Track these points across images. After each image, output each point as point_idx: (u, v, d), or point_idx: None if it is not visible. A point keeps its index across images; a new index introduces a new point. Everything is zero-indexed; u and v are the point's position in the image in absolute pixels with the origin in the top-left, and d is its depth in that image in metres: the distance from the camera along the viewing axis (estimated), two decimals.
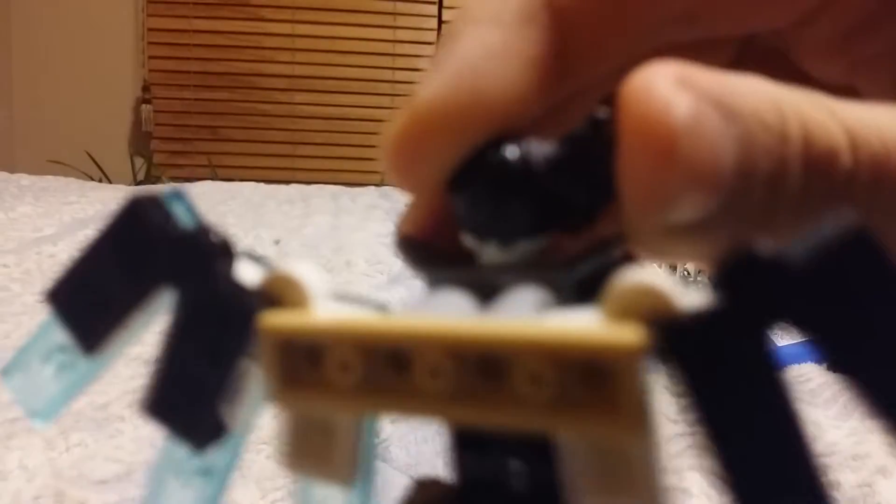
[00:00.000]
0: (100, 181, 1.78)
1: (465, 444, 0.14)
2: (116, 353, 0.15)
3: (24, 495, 0.41)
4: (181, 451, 0.14)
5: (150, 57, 2.13)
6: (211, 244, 0.14)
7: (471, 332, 0.12)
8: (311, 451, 0.13)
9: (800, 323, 0.10)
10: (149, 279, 0.14)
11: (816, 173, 0.12)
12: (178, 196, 0.14)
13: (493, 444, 0.14)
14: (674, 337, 0.11)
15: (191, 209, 0.14)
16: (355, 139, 2.12)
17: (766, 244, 0.10)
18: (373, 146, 2.15)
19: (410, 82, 2.12)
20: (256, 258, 0.14)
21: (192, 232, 0.14)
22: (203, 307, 0.14)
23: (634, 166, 0.12)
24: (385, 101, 2.14)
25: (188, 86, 2.13)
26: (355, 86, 2.15)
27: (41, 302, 0.15)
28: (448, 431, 0.15)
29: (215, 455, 0.14)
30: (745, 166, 0.12)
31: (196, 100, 2.14)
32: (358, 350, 0.12)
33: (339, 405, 0.13)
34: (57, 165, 1.84)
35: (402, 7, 2.13)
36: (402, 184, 0.15)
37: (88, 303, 0.15)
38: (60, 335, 0.15)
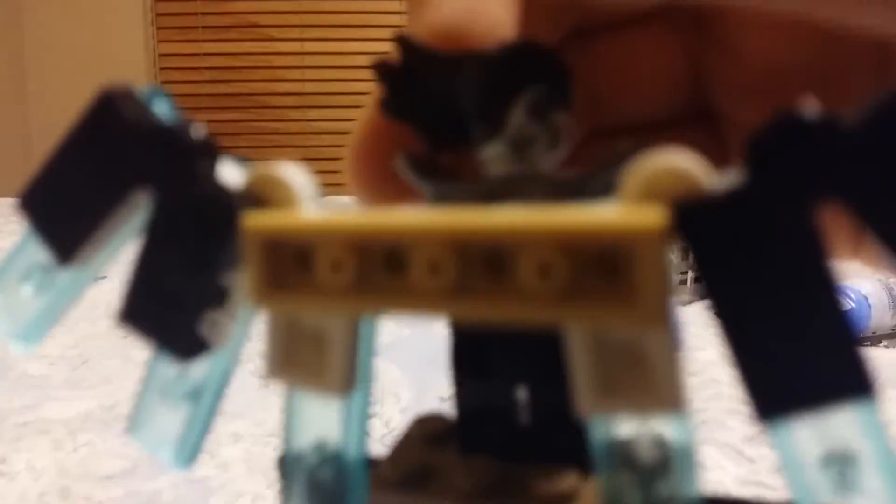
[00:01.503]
0: None
1: (470, 370, 0.14)
2: (97, 266, 0.14)
3: (30, 493, 0.41)
4: (168, 373, 0.14)
5: (163, 81, 2.16)
6: (191, 140, 0.13)
7: (474, 223, 0.11)
8: (301, 359, 0.13)
9: (848, 195, 0.09)
10: (123, 178, 0.13)
11: None
12: (158, 92, 0.13)
13: (499, 369, 0.13)
14: (697, 217, 0.10)
15: (171, 106, 0.13)
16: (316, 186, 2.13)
17: (811, 109, 0.09)
18: None
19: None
20: (240, 160, 0.13)
21: (170, 127, 0.13)
22: (183, 208, 0.12)
23: None
24: None
25: (201, 108, 2.15)
26: (366, 100, 2.15)
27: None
28: (452, 357, 0.14)
29: (203, 377, 0.13)
30: None
31: (209, 121, 2.16)
32: (351, 248, 0.11)
33: (331, 307, 0.12)
34: None
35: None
36: None
37: (62, 207, 0.13)
38: (39, 252, 0.14)
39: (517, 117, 0.13)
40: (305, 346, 0.13)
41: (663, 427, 0.11)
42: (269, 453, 0.46)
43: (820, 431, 0.10)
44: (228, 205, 0.12)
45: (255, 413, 0.51)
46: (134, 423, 0.14)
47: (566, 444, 0.13)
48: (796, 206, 0.09)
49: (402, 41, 0.13)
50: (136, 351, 0.64)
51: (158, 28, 2.15)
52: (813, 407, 0.09)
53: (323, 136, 2.15)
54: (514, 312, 0.11)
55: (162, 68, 2.17)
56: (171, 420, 0.14)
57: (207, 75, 2.15)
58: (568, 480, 0.13)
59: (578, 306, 0.10)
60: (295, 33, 2.16)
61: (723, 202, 0.10)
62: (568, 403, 0.12)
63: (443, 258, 0.11)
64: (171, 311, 0.13)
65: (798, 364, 0.09)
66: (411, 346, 0.60)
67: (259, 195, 0.12)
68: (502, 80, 0.13)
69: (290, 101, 2.15)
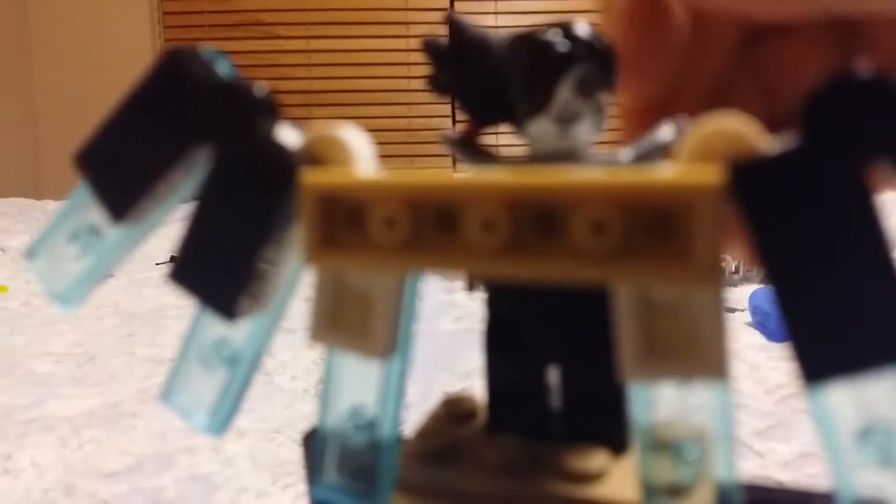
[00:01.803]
0: None
1: (503, 350, 0.14)
2: (145, 228, 0.14)
3: (35, 489, 0.41)
4: (208, 338, 0.14)
5: None
6: (254, 98, 0.13)
7: (529, 182, 0.11)
8: (346, 321, 0.13)
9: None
10: (186, 134, 0.13)
11: None
12: (220, 54, 0.13)
13: (532, 349, 0.13)
14: (752, 178, 0.10)
15: (232, 67, 0.13)
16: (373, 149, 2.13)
17: (864, 69, 0.09)
18: (391, 155, 2.15)
19: (426, 90, 2.13)
20: (298, 124, 0.13)
21: (234, 85, 0.13)
22: (241, 167, 0.13)
23: None
24: (402, 110, 2.15)
25: None
26: (371, 97, 2.16)
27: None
28: (486, 336, 0.14)
29: (243, 342, 0.13)
30: None
31: None
32: (405, 205, 0.11)
33: (383, 264, 0.12)
34: None
35: (414, 16, 2.14)
36: None
37: (121, 162, 0.14)
38: (90, 214, 0.14)
39: (563, 94, 0.13)
40: (350, 308, 0.13)
41: (703, 407, 0.11)
42: (274, 449, 0.46)
43: (859, 402, 0.10)
44: (287, 162, 0.12)
45: (260, 409, 0.51)
46: (169, 388, 0.14)
47: (596, 425, 0.13)
48: (848, 167, 0.09)
49: (451, 20, 0.14)
50: (141, 349, 0.65)
51: (165, 27, 2.16)
52: (858, 370, 0.09)
53: None
54: (566, 271, 0.11)
55: None
56: (207, 386, 0.14)
57: None
58: (598, 459, 0.13)
59: (631, 264, 0.10)
60: (301, 31, 2.15)
61: (777, 162, 0.10)
62: (599, 385, 0.13)
63: (497, 216, 0.11)
64: (222, 270, 0.13)
65: (846, 326, 0.09)
66: (416, 343, 0.60)
67: (316, 155, 0.13)
68: (550, 59, 0.13)
69: (296, 98, 2.15)
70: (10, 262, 1.04)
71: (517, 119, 0.14)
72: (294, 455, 0.45)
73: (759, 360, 0.56)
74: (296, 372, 0.58)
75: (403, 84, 2.15)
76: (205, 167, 0.13)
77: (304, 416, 0.50)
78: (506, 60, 0.13)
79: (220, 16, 2.15)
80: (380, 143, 0.14)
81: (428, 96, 0.15)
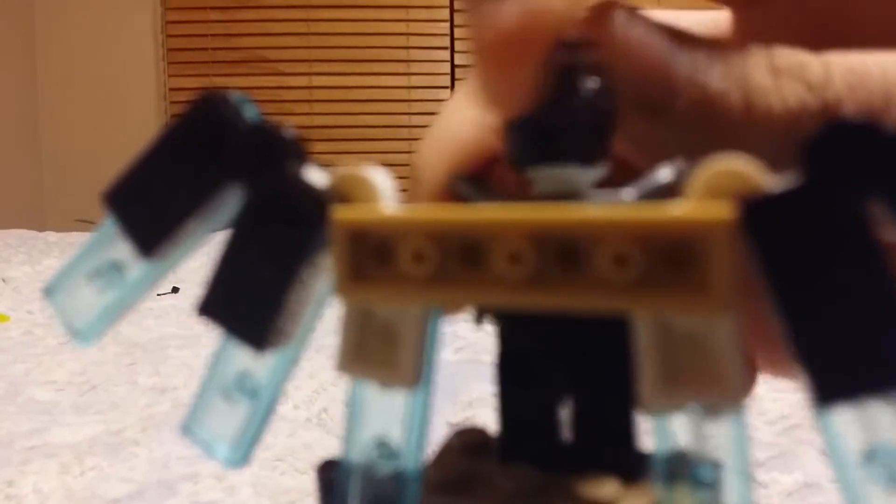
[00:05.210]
0: None
1: (515, 381, 0.14)
2: (168, 265, 0.14)
3: None
4: (229, 370, 0.14)
5: (174, 115, 2.19)
6: (283, 140, 0.13)
7: (555, 216, 0.11)
8: (372, 352, 0.13)
9: (891, 194, 0.10)
10: (216, 175, 0.13)
11: None
12: (247, 99, 0.14)
13: (544, 380, 0.14)
14: (761, 213, 0.10)
15: (259, 112, 0.14)
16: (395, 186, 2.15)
17: (857, 115, 0.10)
18: None
19: (426, 126, 2.15)
20: (323, 166, 0.14)
21: (263, 127, 0.13)
22: (272, 205, 0.13)
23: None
24: (402, 146, 2.17)
25: None
26: (372, 133, 2.18)
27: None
28: (498, 367, 0.14)
29: (266, 374, 0.14)
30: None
31: None
32: (433, 239, 0.12)
33: (411, 297, 0.12)
34: (84, 224, 1.88)
35: (415, 54, 2.17)
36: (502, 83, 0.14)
37: (149, 200, 0.14)
38: (113, 250, 0.14)
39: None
40: (377, 340, 0.13)
41: (719, 436, 0.11)
42: (277, 478, 0.46)
43: (865, 424, 0.10)
44: (319, 199, 0.13)
45: (263, 437, 0.51)
46: (190, 420, 0.14)
47: (608, 456, 0.13)
48: (848, 201, 0.10)
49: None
50: (143, 378, 0.65)
51: (170, 62, 2.19)
52: (863, 394, 0.10)
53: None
54: (590, 301, 0.11)
55: (172, 102, 2.19)
56: (229, 419, 0.14)
57: None
58: (610, 487, 0.13)
59: (651, 295, 0.11)
60: (303, 68, 2.19)
61: (783, 198, 0.10)
62: (611, 415, 0.13)
63: (523, 249, 0.11)
64: (253, 302, 0.13)
65: (852, 352, 0.10)
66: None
67: (343, 192, 0.13)
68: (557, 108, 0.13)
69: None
70: (11, 292, 1.04)
71: (522, 161, 0.14)
72: (297, 483, 0.45)
73: (760, 392, 0.56)
74: (297, 401, 0.58)
75: (404, 120, 2.18)
76: (234, 205, 0.13)
77: (307, 444, 0.50)
78: None
79: (225, 52, 2.18)
80: None
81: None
